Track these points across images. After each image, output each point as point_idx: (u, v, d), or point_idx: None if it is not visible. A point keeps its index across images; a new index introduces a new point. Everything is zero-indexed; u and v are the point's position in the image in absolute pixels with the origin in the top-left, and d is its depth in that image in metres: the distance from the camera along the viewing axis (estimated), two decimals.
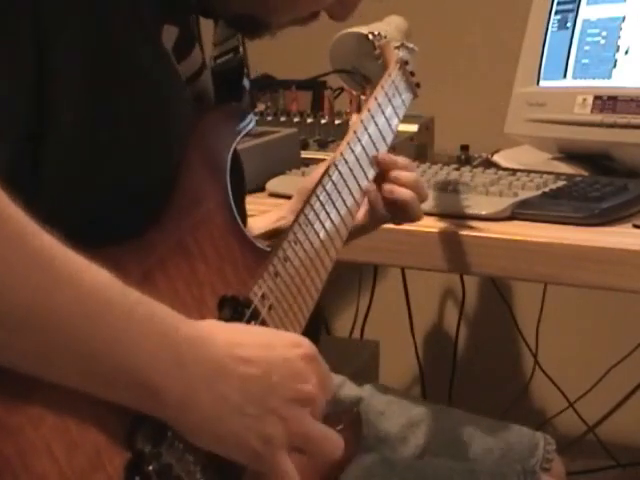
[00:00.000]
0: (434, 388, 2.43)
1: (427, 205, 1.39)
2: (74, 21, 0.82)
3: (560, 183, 1.47)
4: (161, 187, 0.90)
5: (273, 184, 1.55)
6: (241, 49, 1.08)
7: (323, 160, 1.66)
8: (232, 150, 0.97)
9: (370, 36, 1.34)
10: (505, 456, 1.27)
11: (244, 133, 1.01)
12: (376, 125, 1.17)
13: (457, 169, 1.56)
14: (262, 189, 1.54)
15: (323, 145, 1.78)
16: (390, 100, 1.22)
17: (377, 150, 1.16)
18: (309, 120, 1.85)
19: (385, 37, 1.34)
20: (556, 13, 1.73)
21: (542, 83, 1.73)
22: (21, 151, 0.81)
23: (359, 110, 1.85)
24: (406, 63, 1.30)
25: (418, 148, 1.78)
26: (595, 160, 1.66)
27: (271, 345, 0.87)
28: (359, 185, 1.11)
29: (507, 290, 2.40)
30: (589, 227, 1.33)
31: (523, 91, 1.74)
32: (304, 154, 1.73)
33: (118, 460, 0.79)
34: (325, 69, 1.99)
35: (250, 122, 1.02)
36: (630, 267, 1.24)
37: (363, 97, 1.87)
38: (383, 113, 1.20)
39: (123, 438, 0.80)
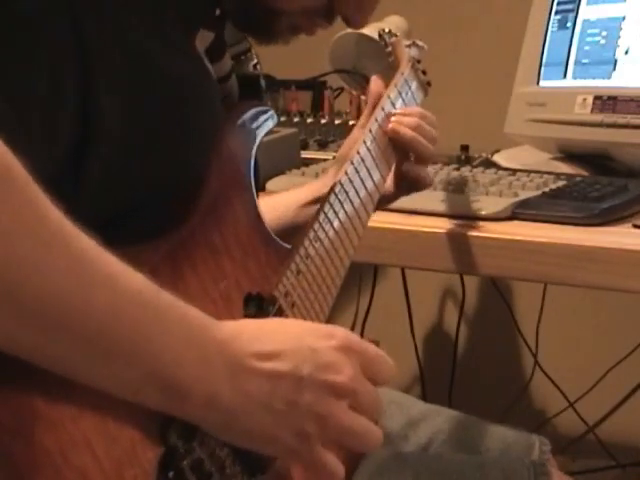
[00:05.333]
0: (434, 388, 2.43)
1: (427, 205, 1.39)
2: (112, 25, 0.85)
3: (560, 183, 1.47)
4: (190, 185, 0.91)
5: (273, 184, 1.55)
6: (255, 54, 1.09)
7: (323, 160, 1.68)
8: (255, 148, 0.99)
9: (381, 33, 1.33)
10: (504, 455, 1.27)
11: (266, 131, 1.02)
12: (389, 123, 1.17)
13: (457, 169, 1.56)
14: (262, 189, 1.54)
15: (323, 145, 1.78)
16: (403, 98, 1.22)
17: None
18: (309, 120, 1.85)
19: (396, 35, 1.34)
20: (556, 13, 1.73)
21: (542, 83, 1.73)
22: (66, 154, 0.82)
23: (359, 110, 1.87)
24: (418, 62, 1.30)
25: None
26: (595, 160, 1.66)
27: (300, 337, 0.85)
28: (373, 181, 1.12)
29: (507, 290, 2.40)
30: (589, 227, 1.33)
31: (523, 91, 1.74)
32: (304, 154, 1.73)
33: (152, 454, 0.80)
34: (325, 69, 1.99)
35: (271, 119, 1.03)
36: (630, 267, 1.24)
37: (363, 97, 1.88)
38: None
39: (157, 433, 0.81)
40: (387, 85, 1.22)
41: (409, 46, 1.33)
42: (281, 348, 0.83)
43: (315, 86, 1.99)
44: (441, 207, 1.39)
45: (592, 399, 2.32)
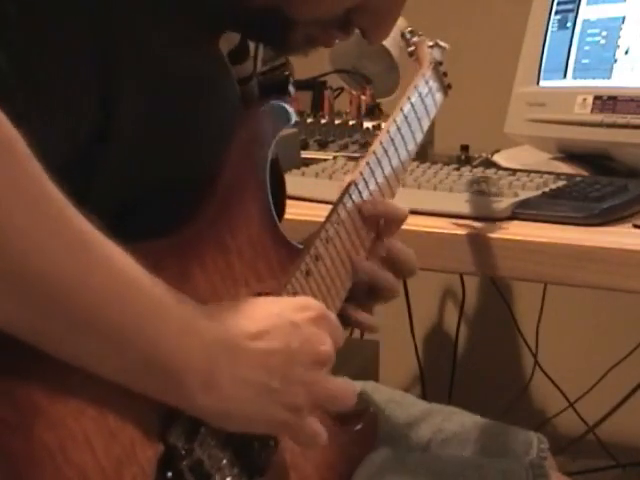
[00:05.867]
0: (434, 388, 2.43)
1: (427, 205, 1.39)
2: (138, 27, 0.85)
3: (560, 183, 1.47)
4: (203, 184, 0.91)
5: None
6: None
7: (324, 160, 1.68)
8: (272, 147, 0.99)
9: (404, 32, 1.32)
10: (502, 453, 1.27)
11: (284, 129, 1.02)
12: (409, 125, 1.16)
13: (457, 169, 1.56)
14: None
15: (323, 145, 1.78)
16: (423, 100, 1.21)
17: (407, 150, 1.15)
18: (309, 120, 1.85)
19: (420, 34, 1.32)
20: (556, 13, 1.73)
21: (542, 83, 1.73)
22: (80, 152, 0.82)
23: (359, 110, 1.87)
24: (440, 64, 1.28)
25: (418, 148, 1.78)
26: (595, 160, 1.66)
27: (280, 313, 0.87)
28: (388, 183, 1.11)
29: (507, 290, 2.40)
30: (589, 227, 1.32)
31: (523, 91, 1.74)
32: (304, 154, 1.73)
33: (151, 453, 0.81)
34: (325, 69, 1.99)
35: (289, 118, 1.03)
36: (630, 267, 1.24)
37: (363, 97, 1.88)
38: (416, 113, 1.19)
39: (157, 432, 0.81)
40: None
41: (432, 47, 1.31)
42: (267, 325, 0.85)
43: (315, 86, 1.99)
44: (441, 207, 1.39)
45: (592, 399, 2.32)
